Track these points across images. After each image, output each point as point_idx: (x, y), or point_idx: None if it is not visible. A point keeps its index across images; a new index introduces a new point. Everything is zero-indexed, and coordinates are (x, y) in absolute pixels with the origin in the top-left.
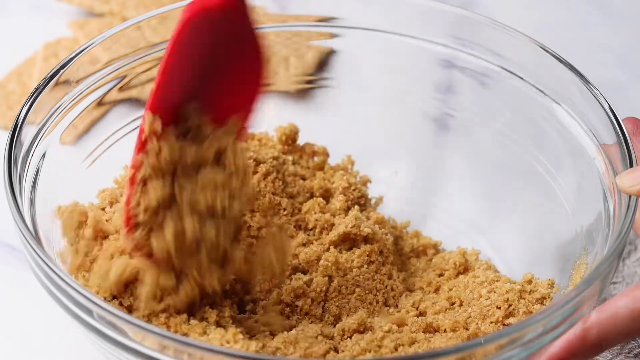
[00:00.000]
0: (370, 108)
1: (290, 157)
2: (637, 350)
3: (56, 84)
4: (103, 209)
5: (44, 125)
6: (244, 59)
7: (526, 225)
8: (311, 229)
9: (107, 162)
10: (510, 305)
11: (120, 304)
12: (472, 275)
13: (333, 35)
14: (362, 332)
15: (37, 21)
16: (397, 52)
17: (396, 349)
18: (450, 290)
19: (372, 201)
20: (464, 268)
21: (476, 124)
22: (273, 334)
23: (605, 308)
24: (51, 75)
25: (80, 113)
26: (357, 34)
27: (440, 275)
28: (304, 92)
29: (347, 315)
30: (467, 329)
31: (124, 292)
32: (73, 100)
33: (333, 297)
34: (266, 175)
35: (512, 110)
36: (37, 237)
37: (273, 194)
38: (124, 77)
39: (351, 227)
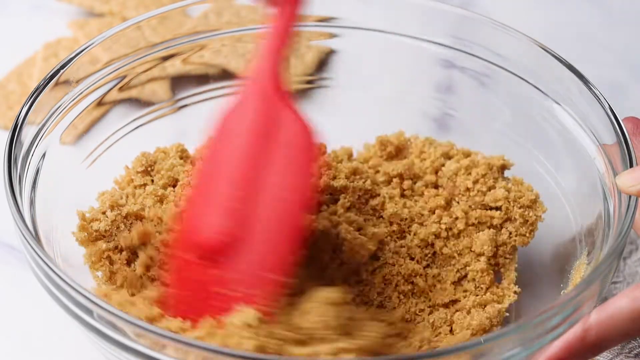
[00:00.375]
0: (370, 108)
1: None
2: (637, 350)
3: (56, 84)
4: (104, 213)
5: (44, 125)
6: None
7: None
8: None
9: (107, 162)
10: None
11: None
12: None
13: (333, 35)
14: None
15: (37, 21)
16: (397, 52)
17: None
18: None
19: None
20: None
21: (476, 124)
22: None
23: (605, 308)
24: (51, 75)
25: (80, 113)
26: (357, 34)
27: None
28: (304, 92)
29: None
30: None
31: None
32: (73, 100)
33: None
34: None
35: (512, 110)
36: (37, 237)
37: None
38: (124, 77)
39: None
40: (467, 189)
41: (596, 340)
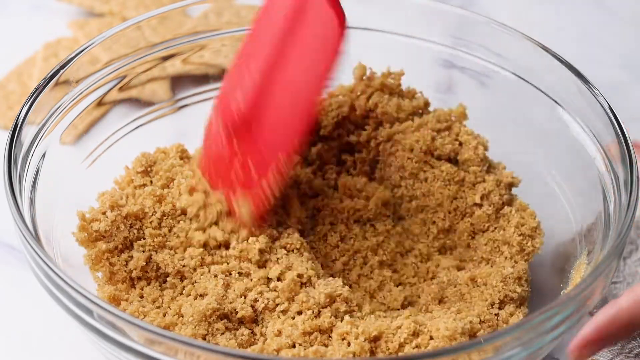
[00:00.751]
0: None
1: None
2: (637, 350)
3: (56, 84)
4: (104, 213)
5: (44, 125)
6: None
7: None
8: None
9: (107, 162)
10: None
11: None
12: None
13: None
14: None
15: (37, 21)
16: (397, 52)
17: None
18: None
19: None
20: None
21: (476, 124)
22: None
23: (636, 290)
24: (51, 75)
25: (80, 113)
26: (357, 34)
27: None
28: None
29: None
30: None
31: None
32: (73, 100)
33: None
34: None
35: (512, 110)
36: (37, 237)
37: None
38: (124, 77)
39: None
40: (475, 204)
41: (628, 322)
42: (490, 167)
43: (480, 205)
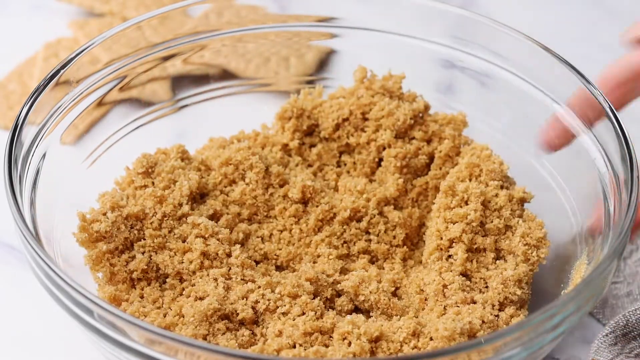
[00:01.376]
0: None
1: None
2: (637, 350)
3: (56, 84)
4: (104, 214)
5: (44, 125)
6: None
7: None
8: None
9: (107, 162)
10: None
11: None
12: None
13: (333, 35)
14: None
15: (37, 21)
16: (397, 52)
17: None
18: None
19: None
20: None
21: (476, 124)
22: None
23: None
24: (51, 75)
25: (81, 113)
26: (357, 34)
27: None
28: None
29: None
30: None
31: None
32: (73, 100)
33: None
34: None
35: (512, 110)
36: (37, 237)
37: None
38: (124, 77)
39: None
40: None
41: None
42: (503, 181)
43: (491, 220)
